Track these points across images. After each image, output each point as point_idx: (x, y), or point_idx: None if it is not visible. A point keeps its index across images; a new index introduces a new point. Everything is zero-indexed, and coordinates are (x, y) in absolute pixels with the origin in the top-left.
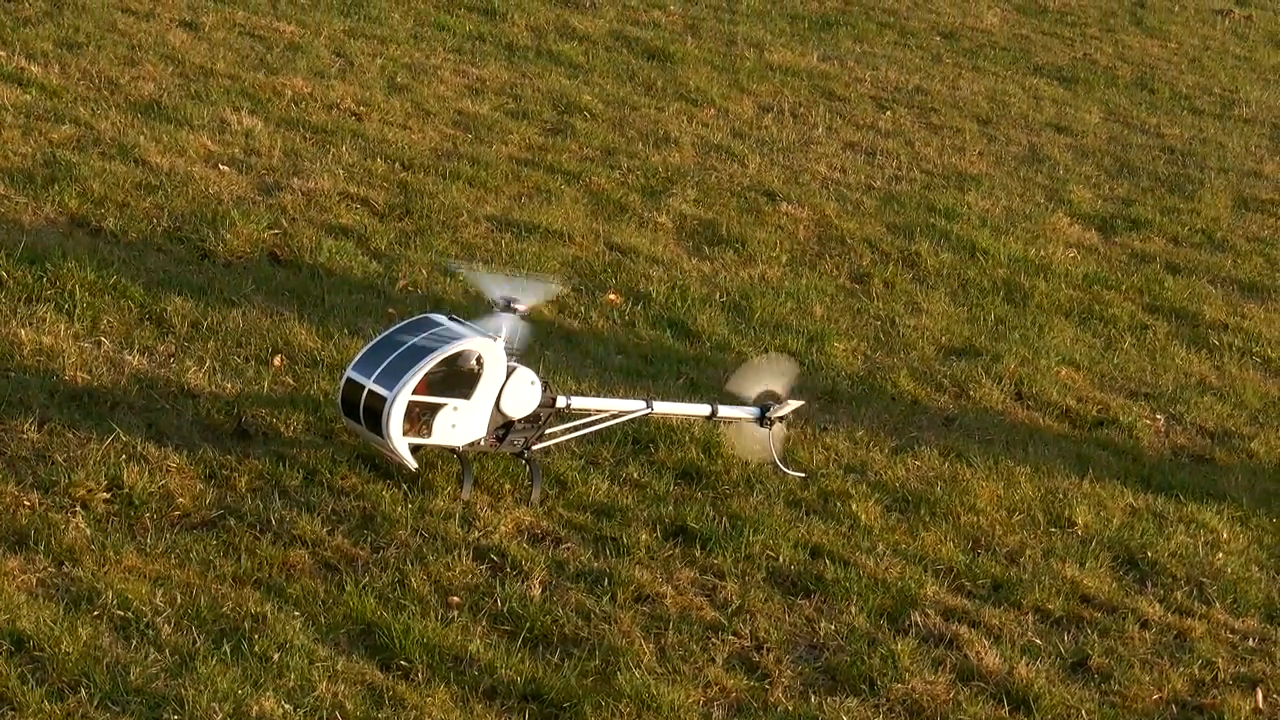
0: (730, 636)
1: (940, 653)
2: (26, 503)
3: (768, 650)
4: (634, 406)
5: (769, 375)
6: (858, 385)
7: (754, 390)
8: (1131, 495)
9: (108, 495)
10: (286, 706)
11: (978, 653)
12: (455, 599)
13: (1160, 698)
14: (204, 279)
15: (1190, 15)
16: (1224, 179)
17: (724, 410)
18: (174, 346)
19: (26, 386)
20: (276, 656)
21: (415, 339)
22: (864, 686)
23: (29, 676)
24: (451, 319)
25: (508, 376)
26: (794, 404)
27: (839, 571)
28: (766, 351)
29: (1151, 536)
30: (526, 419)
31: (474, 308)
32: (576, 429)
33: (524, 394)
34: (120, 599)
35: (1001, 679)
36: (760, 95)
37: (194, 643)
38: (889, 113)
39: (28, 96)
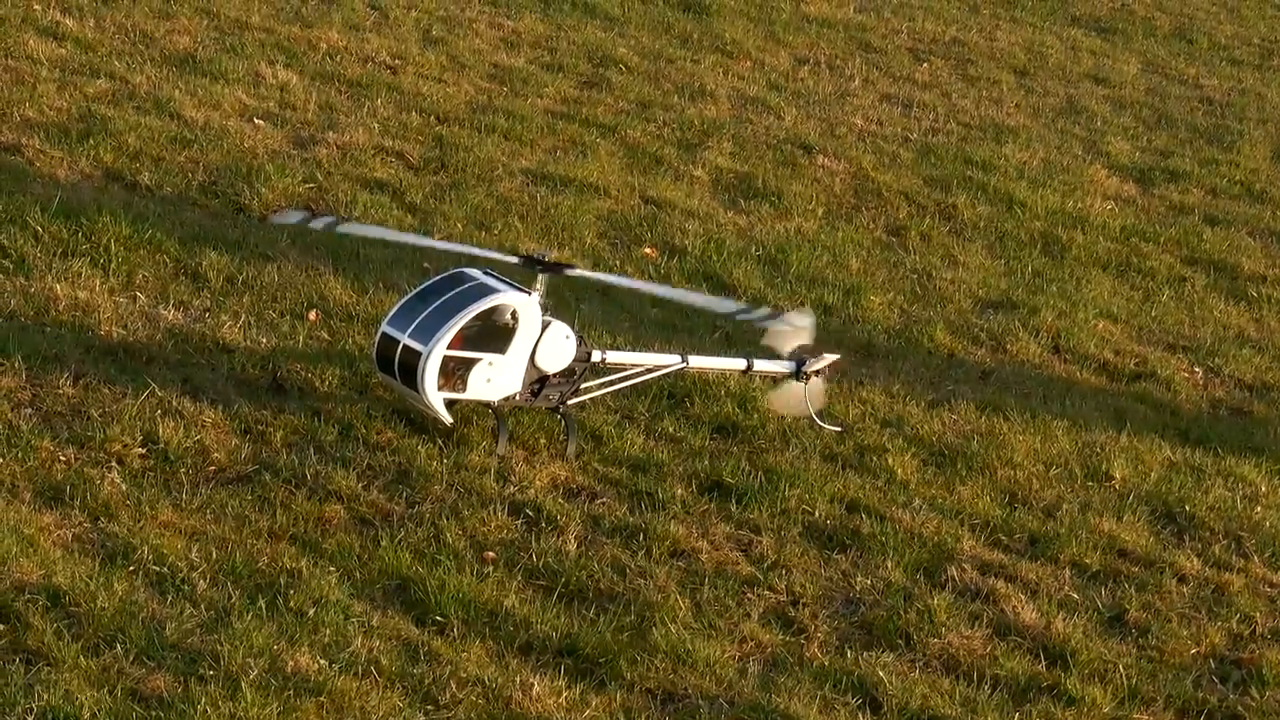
0: (766, 591)
1: (977, 607)
2: (62, 458)
3: (804, 605)
4: (669, 361)
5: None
6: (894, 339)
7: (789, 346)
8: (1169, 448)
9: (143, 450)
10: (322, 661)
11: (1014, 607)
12: (490, 554)
13: (1198, 652)
14: (239, 233)
15: None
16: (1263, 130)
17: (759, 365)
18: (209, 301)
19: (62, 341)
20: (312, 612)
21: (451, 294)
22: (900, 641)
23: (65, 631)
24: (486, 274)
25: (543, 331)
26: (829, 358)
27: (875, 526)
28: (801, 306)
29: (1189, 490)
30: (562, 373)
31: (508, 263)
32: (612, 383)
33: (559, 348)
34: (156, 554)
35: (1039, 633)
36: (796, 47)
37: (229, 598)
38: (926, 64)
39: (63, 50)
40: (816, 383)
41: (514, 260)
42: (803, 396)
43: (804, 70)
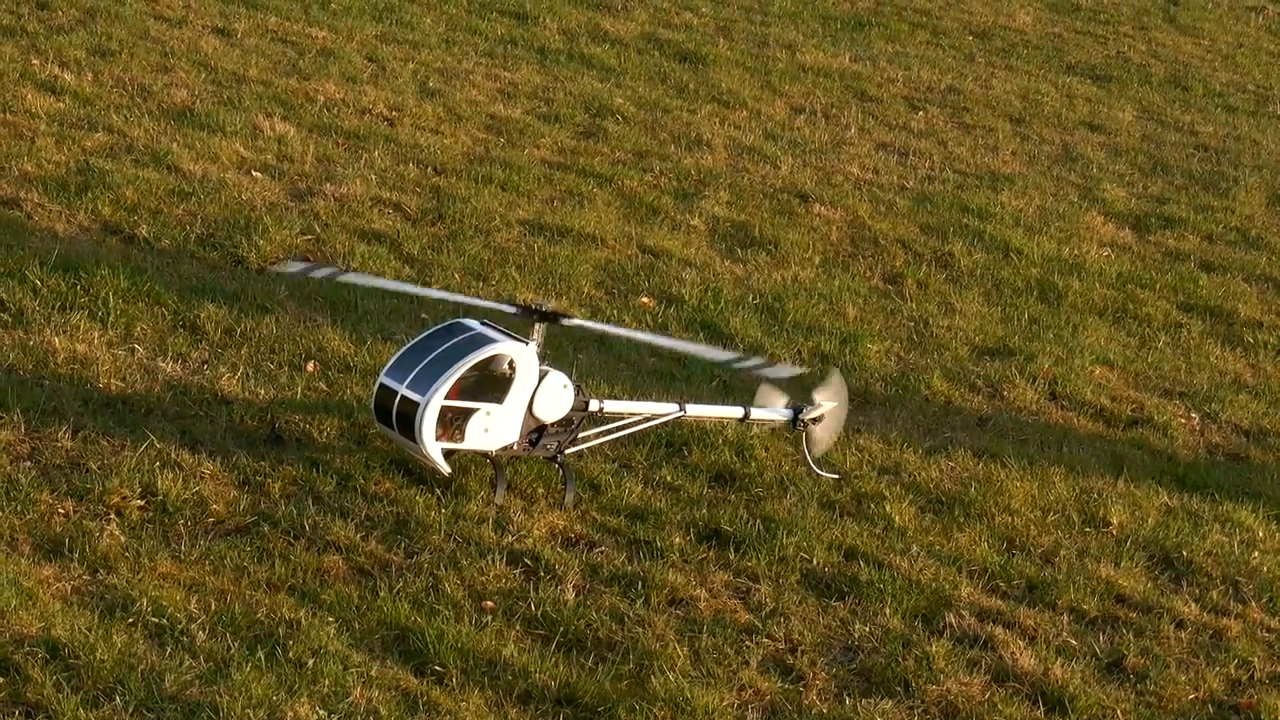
0: (764, 639)
1: (975, 654)
2: (61, 510)
3: (802, 653)
4: (667, 409)
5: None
6: (891, 386)
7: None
8: (1166, 494)
9: (142, 502)
10: (321, 712)
11: (1013, 653)
12: (489, 603)
13: (1196, 697)
14: (237, 285)
15: (1224, 12)
16: (1258, 176)
17: (756, 413)
18: (207, 353)
19: (61, 394)
20: (311, 662)
21: (448, 344)
22: (899, 688)
23: (64, 684)
24: (484, 324)
25: (540, 380)
26: (826, 406)
27: (873, 573)
28: (802, 359)
29: (1187, 536)
30: (559, 423)
31: (504, 313)
32: (609, 432)
33: (557, 398)
34: (155, 606)
35: (1037, 680)
36: (792, 96)
37: (228, 649)
38: (921, 113)
39: (61, 104)
40: (815, 431)
41: (510, 310)
42: (800, 444)
43: (800, 119)
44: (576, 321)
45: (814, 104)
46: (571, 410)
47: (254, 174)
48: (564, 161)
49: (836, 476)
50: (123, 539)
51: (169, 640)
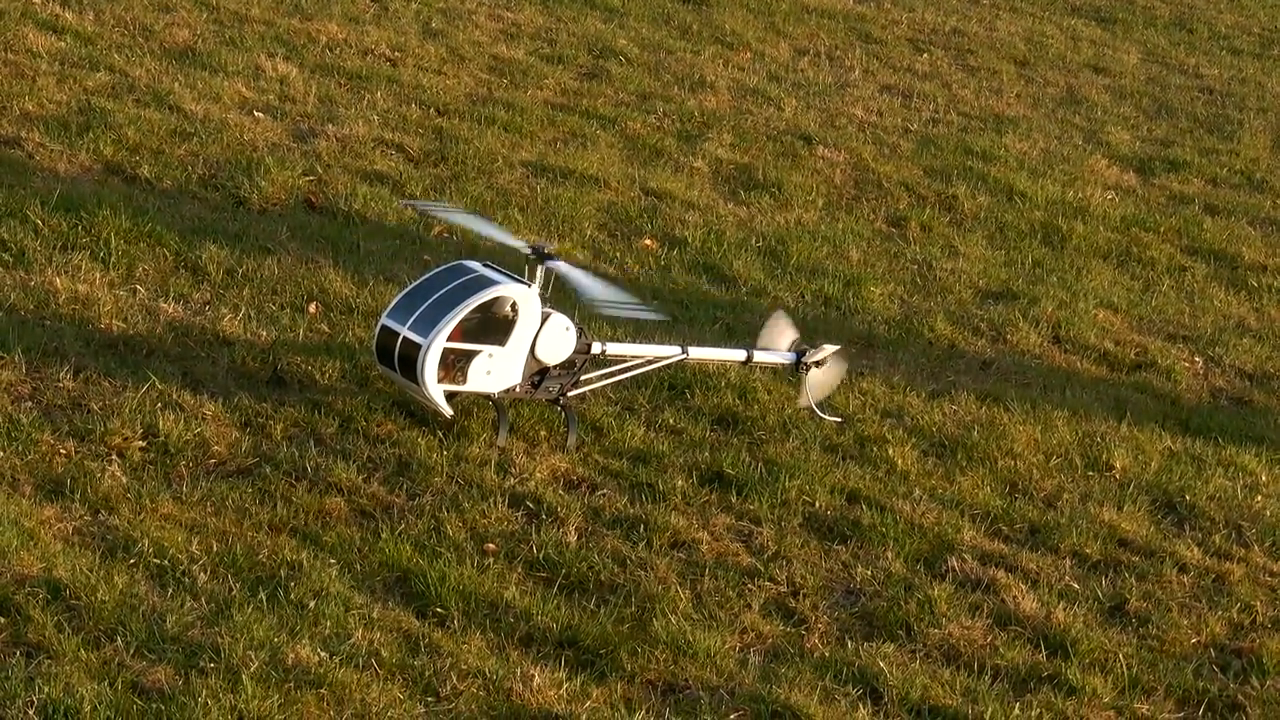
0: (766, 582)
1: (977, 597)
2: (63, 451)
3: (804, 596)
4: (669, 352)
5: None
6: (894, 329)
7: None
8: (1170, 438)
9: (144, 443)
10: (322, 654)
11: (1015, 597)
12: (491, 546)
13: (1198, 641)
14: (239, 226)
15: None
16: (1263, 119)
17: (759, 355)
18: (209, 294)
19: (62, 335)
20: (312, 604)
21: (450, 286)
22: (901, 631)
23: (65, 625)
24: (486, 265)
25: (543, 322)
26: (829, 349)
27: (875, 517)
28: (802, 297)
29: (1190, 480)
30: (562, 365)
31: (508, 254)
32: (612, 375)
33: (559, 340)
34: (156, 547)
35: (1039, 623)
36: (796, 38)
37: (230, 590)
38: (926, 55)
39: (62, 44)
40: (816, 373)
41: (525, 249)
42: (803, 387)
43: (804, 61)
44: (560, 264)
45: (818, 46)
46: (574, 353)
47: (256, 114)
48: (567, 103)
49: (839, 420)
50: (124, 480)
51: (170, 581)
